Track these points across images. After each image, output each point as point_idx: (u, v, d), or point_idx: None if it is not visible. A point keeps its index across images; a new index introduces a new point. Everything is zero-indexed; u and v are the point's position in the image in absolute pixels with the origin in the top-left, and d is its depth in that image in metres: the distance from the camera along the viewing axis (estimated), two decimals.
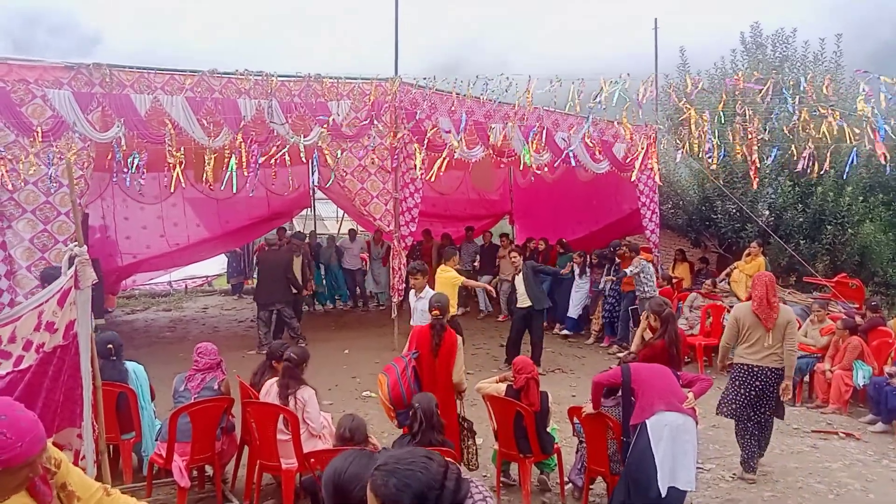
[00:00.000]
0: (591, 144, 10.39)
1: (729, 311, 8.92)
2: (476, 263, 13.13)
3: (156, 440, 5.14)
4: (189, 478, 4.86)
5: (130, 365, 5.38)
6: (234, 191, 8.46)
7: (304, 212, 15.89)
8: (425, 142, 9.27)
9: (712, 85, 13.40)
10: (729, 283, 10.58)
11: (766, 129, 9.09)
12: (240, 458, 5.37)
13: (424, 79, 9.55)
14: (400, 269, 9.78)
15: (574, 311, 11.17)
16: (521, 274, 9.06)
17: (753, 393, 5.57)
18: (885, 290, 12.18)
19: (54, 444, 2.63)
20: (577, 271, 11.20)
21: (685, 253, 12.61)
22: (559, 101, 9.57)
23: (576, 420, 5.06)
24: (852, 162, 8.72)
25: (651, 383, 4.54)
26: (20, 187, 7.35)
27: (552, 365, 9.30)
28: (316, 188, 13.52)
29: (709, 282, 10.50)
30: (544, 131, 10.01)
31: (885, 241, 12.12)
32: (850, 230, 11.72)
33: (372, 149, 9.15)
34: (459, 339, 5.29)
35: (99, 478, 3.23)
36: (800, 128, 8.26)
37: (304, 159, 8.46)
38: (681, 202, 13.32)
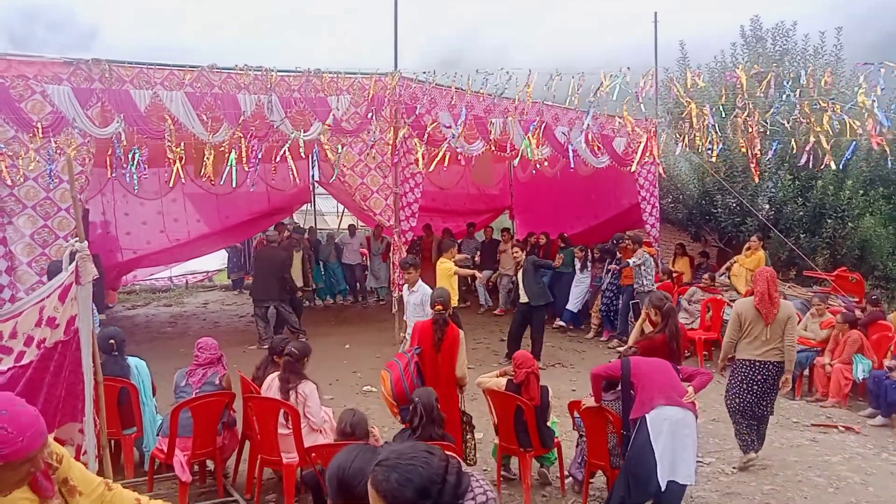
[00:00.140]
0: (591, 139, 10.38)
1: (729, 305, 8.96)
2: (477, 259, 13.13)
3: (157, 435, 5.16)
4: (190, 472, 4.88)
5: (132, 360, 5.40)
6: (234, 185, 8.47)
7: (304, 207, 15.88)
8: (425, 136, 9.26)
9: (712, 78, 13.37)
10: (729, 277, 10.59)
11: (766, 123, 9.07)
12: (241, 452, 5.39)
13: (424, 73, 9.55)
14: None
15: (573, 304, 11.18)
16: (521, 269, 9.08)
17: (757, 388, 5.65)
18: (885, 283, 12.17)
19: (56, 439, 2.65)
20: (577, 266, 11.22)
21: (685, 247, 12.61)
22: (559, 95, 9.57)
23: (576, 414, 5.07)
24: (851, 155, 8.71)
25: (651, 377, 4.55)
26: (20, 183, 7.35)
27: (552, 359, 9.31)
28: (316, 183, 13.52)
29: (707, 276, 10.50)
30: (543, 125, 9.99)
31: (886, 234, 12.11)
32: (850, 224, 11.71)
33: (372, 144, 9.14)
34: (461, 333, 5.30)
35: (100, 473, 3.25)
36: (801, 121, 8.25)
37: (303, 155, 8.46)
38: (681, 196, 13.31)
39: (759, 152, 9.01)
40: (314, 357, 5.21)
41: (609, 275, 10.60)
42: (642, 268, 9.44)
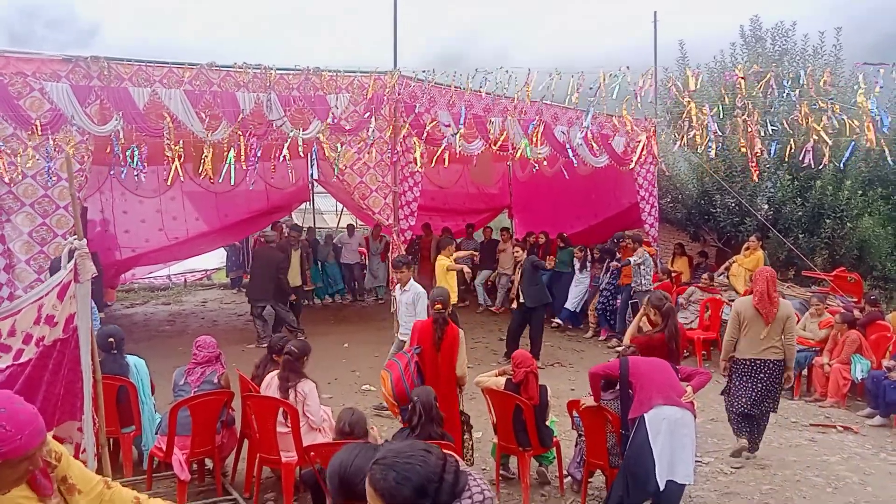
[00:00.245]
0: (590, 137, 10.38)
1: (728, 305, 8.96)
2: (476, 259, 13.13)
3: (156, 434, 5.16)
4: (189, 471, 4.87)
5: (131, 359, 5.39)
6: (233, 184, 8.45)
7: (303, 205, 15.87)
8: (424, 135, 9.24)
9: (712, 78, 13.37)
10: (728, 277, 10.60)
11: (765, 123, 9.07)
12: (240, 451, 5.39)
13: (424, 72, 9.53)
14: None
15: (572, 304, 11.19)
16: (521, 269, 9.09)
17: (760, 385, 5.72)
18: (883, 283, 12.19)
19: (55, 437, 2.64)
20: (577, 266, 11.24)
21: (684, 247, 12.62)
22: (558, 95, 9.56)
23: (575, 413, 5.07)
24: (851, 155, 8.72)
25: (649, 377, 4.55)
26: (18, 181, 7.33)
27: (551, 359, 9.32)
28: (315, 182, 13.50)
29: (706, 275, 10.51)
30: (543, 125, 9.98)
31: (884, 234, 12.13)
32: (848, 224, 11.72)
33: (371, 142, 9.13)
34: (461, 332, 5.30)
35: (99, 471, 3.24)
36: (801, 121, 8.25)
37: (302, 153, 8.45)
38: (680, 196, 13.31)
39: (759, 151, 9.01)
40: (313, 356, 5.20)
41: (608, 274, 10.61)
42: (642, 267, 9.45)
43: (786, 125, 9.25)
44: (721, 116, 9.25)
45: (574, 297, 11.20)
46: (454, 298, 8.12)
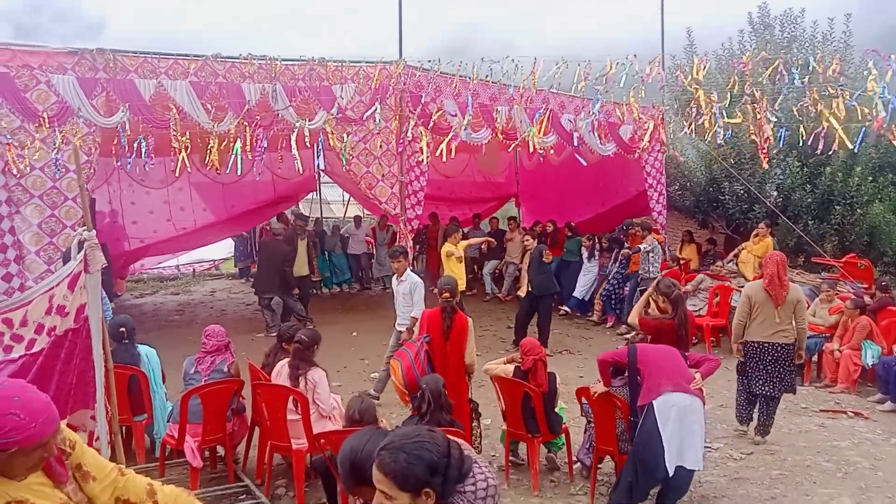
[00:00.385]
0: (597, 126, 10.33)
1: (737, 292, 8.93)
2: (483, 247, 13.13)
3: (167, 422, 5.20)
4: (201, 458, 4.92)
5: (143, 349, 5.43)
6: (240, 174, 8.46)
7: (309, 196, 15.88)
8: (430, 125, 9.22)
9: (720, 66, 13.27)
10: (737, 264, 10.55)
11: (774, 110, 9.00)
12: (251, 438, 5.43)
13: (429, 61, 9.50)
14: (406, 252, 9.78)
15: (580, 292, 11.19)
16: (530, 258, 9.08)
17: (770, 368, 5.81)
18: (894, 270, 12.11)
19: (68, 425, 2.66)
20: (585, 255, 11.24)
21: (693, 234, 12.57)
22: (564, 83, 9.52)
23: (584, 400, 5.07)
24: (861, 141, 8.64)
25: (658, 364, 4.55)
26: (27, 173, 7.36)
27: (559, 346, 9.32)
28: (322, 172, 13.50)
29: (718, 264, 10.47)
30: (549, 112, 9.94)
31: (895, 221, 12.04)
32: (858, 210, 11.63)
33: (377, 132, 9.12)
34: (470, 320, 5.31)
35: (113, 458, 3.27)
36: (811, 107, 8.17)
37: (308, 144, 8.44)
38: (688, 183, 13.24)
39: (769, 138, 8.94)
40: (322, 344, 5.22)
41: (617, 263, 10.60)
42: (650, 255, 9.44)
43: (795, 112, 9.17)
44: (729, 104, 9.16)
45: (582, 286, 11.19)
46: (462, 286, 8.11)
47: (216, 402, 4.95)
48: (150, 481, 2.23)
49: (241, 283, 14.99)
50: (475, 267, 13.61)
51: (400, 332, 6.90)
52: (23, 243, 7.38)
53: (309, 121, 8.53)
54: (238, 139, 7.99)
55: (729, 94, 9.11)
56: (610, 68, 8.90)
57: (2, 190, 7.23)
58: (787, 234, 11.59)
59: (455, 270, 8.43)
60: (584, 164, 10.32)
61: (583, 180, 13.21)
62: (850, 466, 5.45)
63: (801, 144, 8.91)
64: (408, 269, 6.94)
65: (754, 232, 10.47)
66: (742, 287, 7.89)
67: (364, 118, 9.03)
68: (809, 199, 11.60)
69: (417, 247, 13.14)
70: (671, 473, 4.27)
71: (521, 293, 9.37)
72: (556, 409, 5.20)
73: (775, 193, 12.05)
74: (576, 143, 10.20)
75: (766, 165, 10.15)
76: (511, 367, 5.20)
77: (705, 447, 4.98)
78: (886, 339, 7.76)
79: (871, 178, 11.70)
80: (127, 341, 5.30)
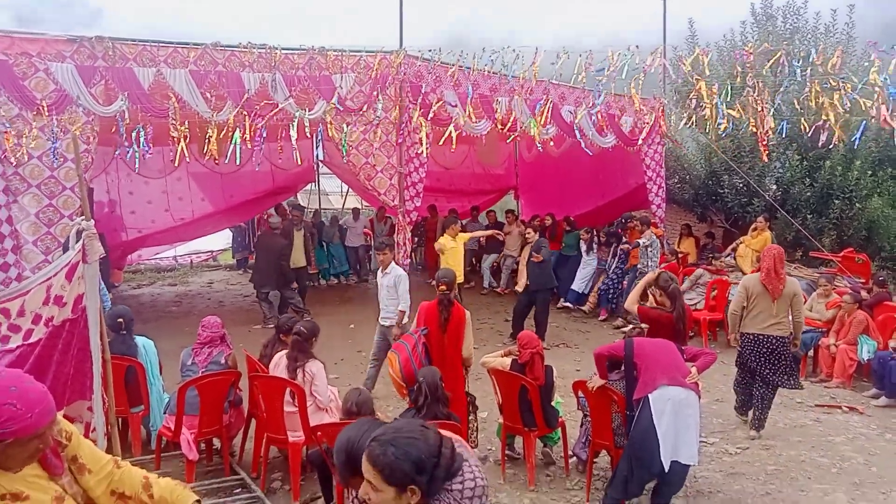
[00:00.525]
0: (599, 119, 10.29)
1: (735, 285, 8.93)
2: (482, 240, 13.12)
3: (164, 413, 5.20)
4: (197, 450, 4.92)
5: (140, 340, 5.42)
6: (238, 164, 8.43)
7: (308, 187, 15.85)
8: (430, 115, 9.19)
9: (721, 57, 13.22)
10: (735, 258, 10.56)
11: (775, 102, 8.97)
12: (247, 431, 5.43)
13: (430, 51, 9.46)
14: (405, 244, 9.77)
15: (578, 286, 11.20)
16: (530, 251, 9.08)
17: (763, 359, 5.91)
18: (891, 265, 12.10)
19: (65, 416, 2.66)
20: (584, 248, 11.24)
21: (691, 227, 12.56)
22: (565, 74, 9.48)
23: (580, 394, 5.08)
24: (862, 134, 8.62)
25: (654, 358, 4.55)
26: (24, 162, 7.33)
27: (556, 340, 9.34)
28: (320, 163, 13.47)
29: (718, 262, 10.46)
30: (549, 103, 9.90)
31: (893, 215, 12.02)
32: (857, 205, 11.62)
33: (377, 123, 9.08)
34: (467, 313, 5.30)
35: (109, 450, 3.27)
36: (812, 100, 8.15)
37: (308, 134, 8.41)
38: (687, 176, 13.22)
39: (770, 130, 8.91)
40: (319, 336, 5.22)
41: (616, 258, 10.61)
42: (649, 249, 9.45)
43: (796, 104, 9.14)
44: (730, 97, 9.13)
45: (581, 279, 11.20)
46: (459, 279, 8.09)
47: (213, 393, 4.95)
48: (146, 474, 2.23)
49: (239, 275, 14.99)
50: (473, 260, 13.61)
51: (384, 326, 6.85)
52: (20, 233, 7.35)
53: (308, 111, 8.49)
54: (237, 129, 7.96)
55: (729, 85, 9.09)
56: (612, 58, 8.87)
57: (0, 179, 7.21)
58: (786, 227, 11.58)
59: (452, 263, 8.42)
60: (590, 153, 10.28)
61: (582, 173, 13.19)
62: (845, 461, 5.48)
63: (801, 137, 8.89)
64: (392, 262, 6.91)
65: (753, 226, 10.47)
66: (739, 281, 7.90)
67: (364, 109, 8.99)
68: (808, 193, 11.59)
69: (416, 239, 13.14)
70: (666, 468, 4.28)
71: (519, 287, 9.38)
72: (553, 403, 5.21)
73: (774, 187, 12.03)
74: (577, 136, 10.17)
75: (765, 158, 10.13)
76: (508, 361, 5.21)
77: (700, 441, 5.00)
78: (883, 334, 7.78)
79: (870, 173, 11.68)
80: (125, 332, 5.29)
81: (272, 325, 7.34)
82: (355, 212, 14.02)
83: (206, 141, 7.92)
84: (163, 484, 2.23)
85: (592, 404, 4.94)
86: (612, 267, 10.71)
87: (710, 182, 12.66)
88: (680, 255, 11.41)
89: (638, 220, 10.12)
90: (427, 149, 9.32)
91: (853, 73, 9.97)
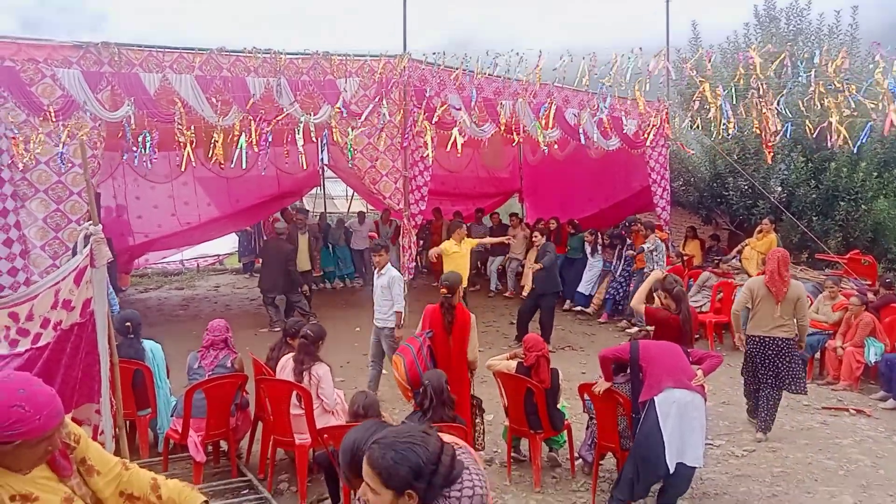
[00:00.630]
0: (603, 122, 10.29)
1: (740, 287, 8.92)
2: (488, 246, 13.12)
3: (171, 416, 5.23)
4: (204, 453, 4.94)
5: (148, 343, 5.45)
6: (244, 167, 8.47)
7: (314, 190, 15.89)
8: (434, 119, 9.21)
9: (725, 59, 13.21)
10: (740, 261, 10.54)
11: (779, 104, 8.95)
12: (254, 433, 5.45)
13: (434, 54, 9.49)
14: (410, 247, 9.79)
15: (585, 288, 11.21)
16: (536, 254, 9.08)
17: (769, 361, 5.94)
18: None
19: (73, 419, 2.68)
20: (588, 250, 11.25)
21: (696, 230, 12.54)
22: (569, 77, 9.49)
23: (586, 396, 5.08)
24: (866, 136, 8.59)
25: (660, 360, 4.55)
26: (32, 167, 7.38)
27: (562, 342, 9.33)
28: (326, 167, 13.50)
29: (725, 266, 10.44)
30: (553, 106, 9.91)
31: None
32: (863, 206, 11.58)
33: (381, 127, 9.11)
34: (473, 317, 5.31)
35: (117, 452, 3.29)
36: (816, 101, 8.13)
37: (313, 138, 8.44)
38: (692, 179, 13.21)
39: (776, 132, 8.89)
40: (325, 340, 5.24)
41: (622, 262, 10.60)
42: (654, 253, 9.43)
43: (801, 106, 9.13)
44: (734, 100, 9.13)
45: (587, 282, 11.21)
46: (463, 283, 8.07)
47: (220, 396, 4.97)
48: (154, 475, 2.25)
49: (245, 279, 15.03)
50: (479, 263, 13.62)
51: (378, 328, 6.85)
52: (28, 238, 7.39)
53: (313, 115, 8.53)
54: (243, 133, 8.00)
55: (734, 88, 9.08)
56: (616, 61, 8.88)
57: (7, 184, 7.24)
58: (791, 230, 11.55)
59: (457, 267, 8.42)
60: (594, 156, 10.29)
61: (586, 175, 13.19)
62: (852, 464, 5.46)
63: (806, 139, 8.87)
64: (388, 264, 6.92)
65: (758, 228, 10.45)
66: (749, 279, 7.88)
67: (368, 114, 9.02)
68: (814, 195, 11.56)
69: (421, 242, 13.15)
70: (672, 470, 4.28)
71: (525, 292, 9.37)
72: (559, 406, 5.21)
73: (779, 189, 12.01)
74: (581, 140, 10.17)
75: (770, 161, 10.11)
76: (514, 363, 5.21)
77: (707, 444, 4.99)
78: (890, 336, 7.74)
79: (875, 174, 11.65)
80: (132, 336, 5.33)
81: (278, 329, 7.36)
82: (361, 215, 14.05)
83: (212, 145, 7.95)
84: (171, 485, 2.24)
85: (598, 407, 4.94)
86: (619, 270, 10.69)
87: (714, 184, 12.65)
88: (685, 258, 11.39)
89: (642, 224, 10.10)
90: (432, 153, 9.34)
91: (858, 74, 9.96)
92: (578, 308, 11.17)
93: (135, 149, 7.84)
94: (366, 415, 3.98)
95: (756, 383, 6.09)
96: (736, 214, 12.54)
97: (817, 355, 8.22)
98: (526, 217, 15.28)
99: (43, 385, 1.90)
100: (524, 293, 9.48)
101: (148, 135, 7.76)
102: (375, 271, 7.00)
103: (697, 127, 10.33)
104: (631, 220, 10.62)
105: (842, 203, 11.49)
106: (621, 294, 10.60)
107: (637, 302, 5.65)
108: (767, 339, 5.92)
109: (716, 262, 10.85)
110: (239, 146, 7.87)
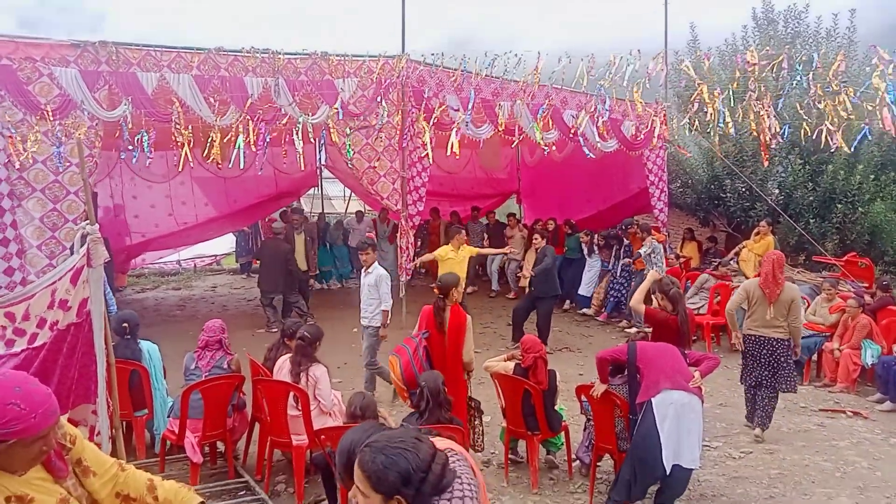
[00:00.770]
0: (600, 123, 10.31)
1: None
2: (486, 242, 13.11)
3: (168, 417, 5.21)
4: (201, 454, 4.93)
5: (145, 344, 5.44)
6: (242, 168, 8.46)
7: (311, 191, 15.88)
8: (432, 120, 9.21)
9: (723, 62, 13.23)
10: (738, 263, 10.55)
11: (777, 106, 8.98)
12: (251, 434, 5.44)
13: (433, 55, 9.49)
14: (407, 248, 9.78)
15: (586, 289, 11.22)
16: (535, 257, 9.08)
17: (764, 361, 6.02)
18: (894, 269, 12.09)
19: (70, 420, 2.67)
20: (585, 251, 11.26)
21: (694, 232, 12.56)
22: (567, 79, 9.50)
23: (583, 398, 5.08)
24: (863, 138, 8.62)
25: (657, 362, 4.55)
26: (29, 166, 7.36)
27: (559, 344, 9.33)
28: (323, 167, 13.50)
29: (724, 269, 10.45)
30: (551, 108, 9.92)
31: None
32: (860, 209, 11.61)
33: (379, 128, 9.10)
34: (469, 318, 5.30)
35: (113, 453, 3.28)
36: (812, 104, 8.16)
37: (312, 139, 8.44)
38: (690, 181, 13.22)
39: (775, 133, 8.91)
40: (322, 340, 5.23)
41: (620, 262, 10.61)
42: (653, 255, 9.43)
43: (799, 108, 9.15)
44: (732, 102, 9.15)
45: (588, 283, 11.23)
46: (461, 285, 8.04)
47: (217, 397, 4.96)
48: (151, 476, 2.24)
49: (243, 279, 15.01)
50: (476, 266, 13.61)
51: (364, 326, 6.83)
52: (24, 237, 7.37)
53: (311, 115, 8.52)
54: (241, 133, 7.98)
55: (731, 91, 9.10)
56: (614, 62, 8.89)
57: (4, 183, 7.22)
58: (789, 232, 11.58)
59: (454, 271, 8.39)
60: (592, 156, 10.29)
61: (585, 177, 13.19)
62: (849, 466, 5.46)
63: (804, 142, 8.89)
64: (375, 262, 6.91)
65: (755, 230, 10.46)
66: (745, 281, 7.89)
67: (366, 114, 9.01)
68: (811, 198, 11.58)
69: (419, 242, 13.14)
70: (668, 472, 4.28)
71: (524, 282, 9.38)
72: (556, 408, 5.21)
73: (777, 191, 12.03)
74: (581, 143, 10.18)
75: (766, 163, 10.13)
76: (511, 365, 5.21)
77: (704, 446, 4.99)
78: (886, 338, 7.76)
79: (872, 177, 11.68)
80: (129, 336, 5.31)
81: (276, 330, 7.35)
82: (359, 214, 14.04)
83: (209, 145, 7.94)
84: (167, 486, 2.23)
85: (595, 408, 4.93)
86: (618, 271, 10.69)
87: (712, 186, 12.66)
88: (682, 260, 11.40)
89: (639, 226, 10.11)
90: (429, 152, 9.33)
91: (855, 77, 9.98)
92: (583, 311, 11.18)
93: (131, 147, 7.83)
94: (363, 416, 3.98)
95: (753, 381, 6.13)
96: (733, 216, 12.56)
97: (814, 357, 8.23)
98: (524, 218, 15.28)
99: (39, 384, 1.89)
100: (526, 292, 9.48)
101: (145, 134, 7.75)
102: (363, 270, 6.98)
103: (696, 129, 10.34)
104: (627, 222, 10.62)
105: (839, 205, 11.51)
106: (623, 294, 10.61)
107: (636, 302, 5.65)
108: (763, 339, 6.02)
109: (714, 264, 10.86)
110: (236, 146, 7.86)
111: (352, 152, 8.83)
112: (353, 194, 16.43)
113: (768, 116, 8.73)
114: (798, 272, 10.20)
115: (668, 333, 5.15)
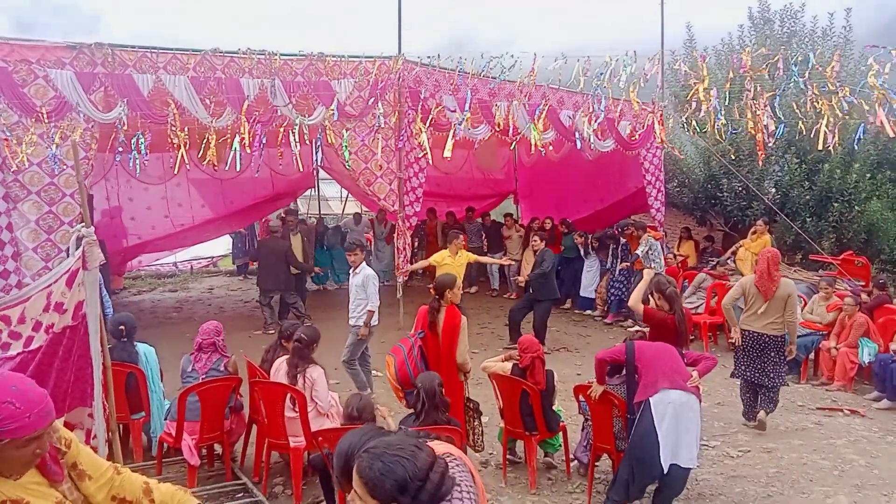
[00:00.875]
0: (597, 127, 10.31)
1: None
2: (485, 242, 13.12)
3: (165, 419, 5.20)
4: (198, 456, 4.92)
5: (141, 346, 5.42)
6: (238, 170, 8.44)
7: (308, 192, 15.87)
8: (429, 121, 9.20)
9: (719, 61, 13.25)
10: (735, 262, 10.57)
11: (774, 106, 8.99)
12: (248, 436, 5.42)
13: (429, 57, 9.48)
14: (405, 248, 9.77)
15: (587, 291, 11.24)
16: (535, 259, 9.09)
17: (755, 353, 6.15)
18: (891, 267, 12.13)
19: (66, 423, 2.66)
20: (582, 252, 11.27)
21: (691, 231, 12.58)
22: (564, 79, 9.50)
23: (581, 398, 5.08)
24: (859, 138, 8.64)
25: (655, 362, 4.55)
26: (24, 168, 7.34)
27: (557, 344, 9.33)
28: (320, 168, 13.48)
29: (721, 268, 10.47)
30: (547, 109, 9.91)
31: (892, 218, 12.04)
32: (856, 207, 11.64)
33: (376, 129, 9.10)
34: (464, 319, 5.29)
35: (110, 457, 3.27)
36: (808, 104, 8.17)
37: (307, 140, 8.42)
38: (686, 180, 13.24)
39: (772, 132, 8.92)
40: (320, 341, 5.22)
41: (619, 260, 10.62)
42: (650, 253, 9.44)
43: (795, 108, 9.16)
44: (728, 101, 9.15)
45: (588, 285, 11.25)
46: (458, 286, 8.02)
47: (214, 399, 4.95)
48: (147, 479, 2.23)
49: (239, 280, 14.99)
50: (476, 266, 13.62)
51: (351, 326, 6.82)
52: (20, 240, 7.35)
53: (308, 116, 8.51)
54: (237, 135, 7.97)
55: (727, 91, 9.11)
56: (610, 63, 8.89)
57: None
58: (786, 231, 11.60)
59: (453, 269, 8.39)
60: (589, 157, 10.30)
61: (582, 177, 13.21)
62: (847, 464, 5.47)
63: (798, 140, 8.90)
64: (363, 263, 6.89)
65: (752, 229, 10.49)
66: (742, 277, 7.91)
67: (363, 115, 9.00)
68: (808, 196, 11.61)
69: (416, 242, 13.14)
70: (666, 471, 4.29)
71: (521, 279, 9.40)
72: (554, 408, 5.21)
73: (773, 190, 12.05)
74: (577, 143, 10.18)
75: (761, 162, 10.14)
76: (509, 365, 5.20)
77: (702, 445, 4.99)
78: (883, 336, 7.77)
79: (869, 175, 11.71)
80: (126, 339, 5.29)
81: (273, 331, 7.34)
82: (356, 216, 14.05)
83: (206, 147, 7.92)
84: (164, 489, 2.23)
85: (593, 409, 4.93)
86: (617, 270, 10.68)
87: (709, 185, 12.68)
88: (679, 259, 11.41)
89: (634, 226, 10.12)
90: (427, 152, 9.32)
91: (851, 76, 10.00)
92: (587, 312, 11.18)
93: (121, 150, 7.80)
94: (360, 417, 3.97)
95: (749, 376, 6.22)
96: (730, 216, 12.58)
97: (811, 356, 8.25)
98: (521, 218, 15.28)
99: (36, 385, 1.89)
100: (520, 279, 9.50)
101: (141, 136, 7.73)
102: (351, 271, 6.96)
103: (693, 129, 10.35)
104: (624, 223, 10.63)
105: (835, 204, 11.54)
106: (624, 292, 10.61)
107: (634, 302, 5.66)
108: (757, 335, 6.14)
109: (711, 263, 10.88)
110: (233, 148, 7.85)
111: (348, 153, 8.82)
112: (349, 195, 16.43)
113: (764, 116, 8.74)
114: (795, 271, 10.22)
115: (665, 333, 5.16)
